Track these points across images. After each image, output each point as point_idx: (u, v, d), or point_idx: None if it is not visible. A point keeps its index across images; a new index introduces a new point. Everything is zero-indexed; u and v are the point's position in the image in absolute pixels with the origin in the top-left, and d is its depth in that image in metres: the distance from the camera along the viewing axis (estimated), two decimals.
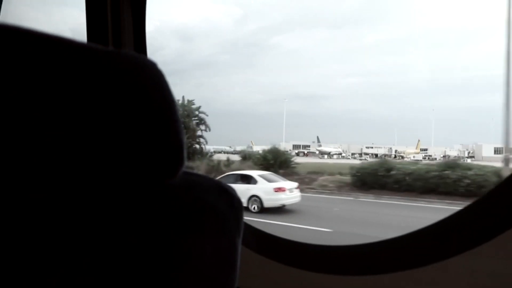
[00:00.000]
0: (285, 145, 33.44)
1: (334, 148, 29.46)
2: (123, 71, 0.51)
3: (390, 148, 29.88)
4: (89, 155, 0.48)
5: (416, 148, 24.95)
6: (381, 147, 30.39)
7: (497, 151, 18.12)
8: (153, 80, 0.54)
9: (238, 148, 37.44)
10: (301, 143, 33.83)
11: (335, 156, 28.66)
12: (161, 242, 0.55)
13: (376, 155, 30.01)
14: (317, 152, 33.69)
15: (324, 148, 29.02)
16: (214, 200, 0.65)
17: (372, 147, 30.52)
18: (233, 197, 0.69)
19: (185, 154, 0.57)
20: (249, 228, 1.70)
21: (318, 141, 29.66)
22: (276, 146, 23.87)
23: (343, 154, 28.92)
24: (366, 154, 30.06)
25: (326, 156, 28.51)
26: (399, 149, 27.82)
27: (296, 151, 33.36)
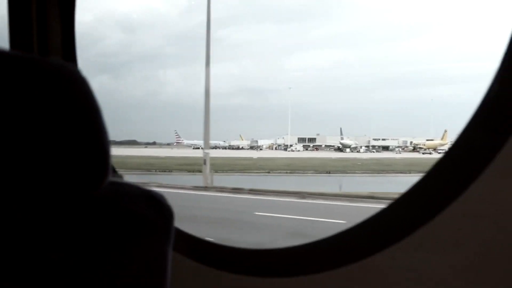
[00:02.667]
0: (291, 139, 32.36)
1: (350, 141, 28.98)
2: (42, 79, 0.49)
3: (405, 140, 30.29)
4: (4, 169, 0.46)
5: (443, 138, 25.06)
6: (388, 139, 31.00)
7: None
8: (74, 88, 0.52)
9: (234, 143, 35.52)
10: (306, 136, 33.06)
11: (361, 150, 28.04)
12: (87, 255, 0.54)
13: (386, 148, 30.56)
14: (323, 146, 33.16)
15: (347, 141, 28.38)
16: (142, 210, 0.64)
17: (379, 139, 30.92)
18: (162, 205, 0.68)
19: (110, 163, 0.56)
20: (182, 234, 1.68)
21: (341, 133, 28.84)
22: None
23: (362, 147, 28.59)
24: (373, 146, 30.27)
25: (348, 149, 27.89)
26: (415, 141, 28.29)
27: (302, 145, 32.48)
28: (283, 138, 35.48)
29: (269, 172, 17.62)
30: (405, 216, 1.33)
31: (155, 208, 0.66)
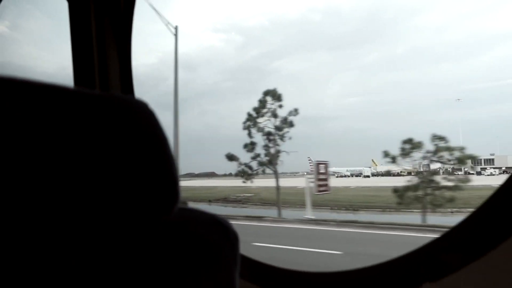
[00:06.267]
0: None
1: None
2: (115, 114, 0.52)
3: None
4: (84, 198, 0.48)
5: None
6: None
7: None
8: (145, 121, 0.56)
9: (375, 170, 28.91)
10: (482, 157, 26.21)
11: None
12: (159, 280, 0.54)
13: None
14: (504, 168, 26.61)
15: None
16: (209, 234, 0.65)
17: None
18: (228, 229, 0.69)
19: (180, 190, 0.58)
20: (247, 260, 1.66)
21: None
22: None
23: None
24: None
25: None
26: None
27: (479, 168, 25.63)
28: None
29: None
30: (483, 232, 1.25)
31: (221, 233, 0.66)
